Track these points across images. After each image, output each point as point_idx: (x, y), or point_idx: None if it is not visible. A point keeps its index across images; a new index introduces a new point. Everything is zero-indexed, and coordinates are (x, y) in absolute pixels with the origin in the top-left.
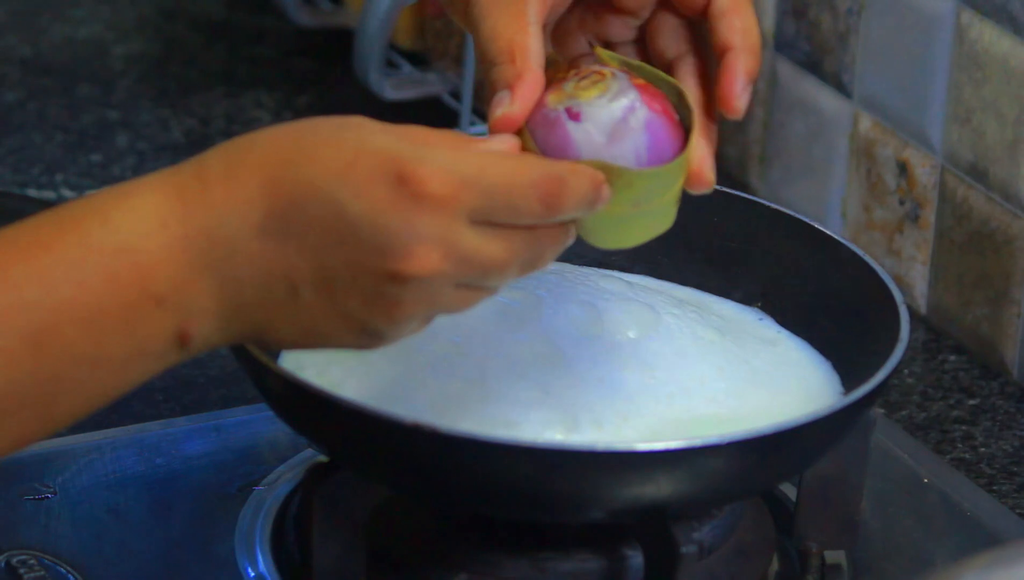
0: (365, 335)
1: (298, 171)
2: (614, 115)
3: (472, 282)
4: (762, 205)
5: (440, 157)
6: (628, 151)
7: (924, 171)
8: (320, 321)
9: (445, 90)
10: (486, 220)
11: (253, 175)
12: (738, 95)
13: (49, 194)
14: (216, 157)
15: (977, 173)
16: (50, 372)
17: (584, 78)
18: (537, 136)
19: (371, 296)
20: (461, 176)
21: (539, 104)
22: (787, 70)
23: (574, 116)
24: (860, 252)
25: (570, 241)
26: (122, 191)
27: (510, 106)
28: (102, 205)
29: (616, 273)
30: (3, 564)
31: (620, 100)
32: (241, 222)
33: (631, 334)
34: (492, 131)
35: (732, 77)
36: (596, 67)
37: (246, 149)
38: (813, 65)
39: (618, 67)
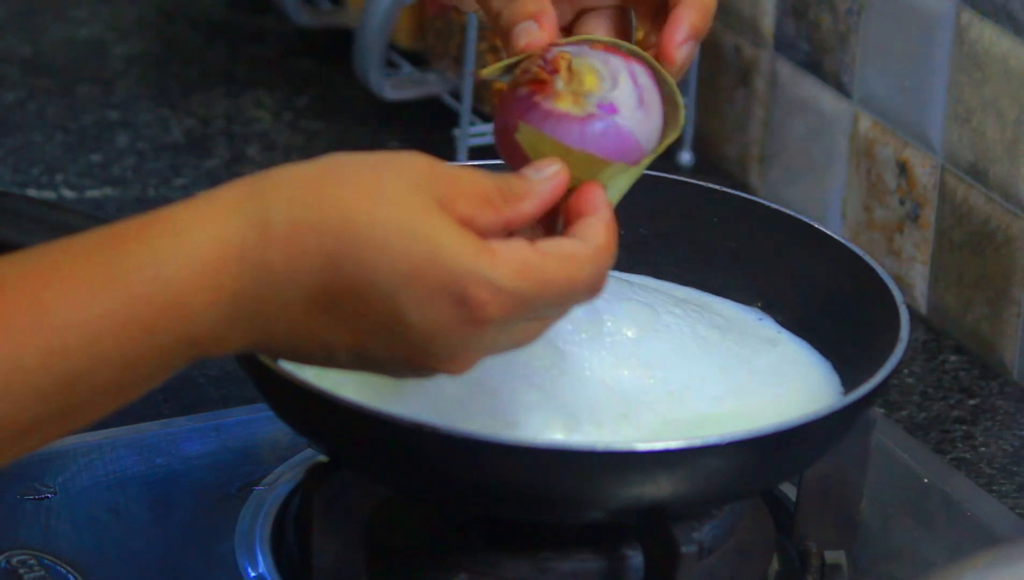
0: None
1: (364, 257)
2: (631, 88)
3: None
4: (762, 205)
5: (503, 278)
6: (656, 110)
7: (924, 171)
8: (347, 369)
9: (445, 90)
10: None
11: (318, 249)
12: (677, 45)
13: (49, 194)
14: (281, 210)
15: (977, 173)
16: (79, 402)
17: (556, 72)
18: (591, 146)
19: (406, 373)
20: (520, 298)
21: (552, 116)
22: (787, 70)
23: (611, 110)
24: (860, 252)
25: None
26: (177, 229)
27: (539, 32)
28: (156, 247)
29: (616, 273)
30: (3, 564)
31: (619, 72)
32: (295, 292)
33: (631, 334)
34: (520, 50)
35: (675, 27)
36: (546, 56)
37: (313, 207)
38: (813, 65)
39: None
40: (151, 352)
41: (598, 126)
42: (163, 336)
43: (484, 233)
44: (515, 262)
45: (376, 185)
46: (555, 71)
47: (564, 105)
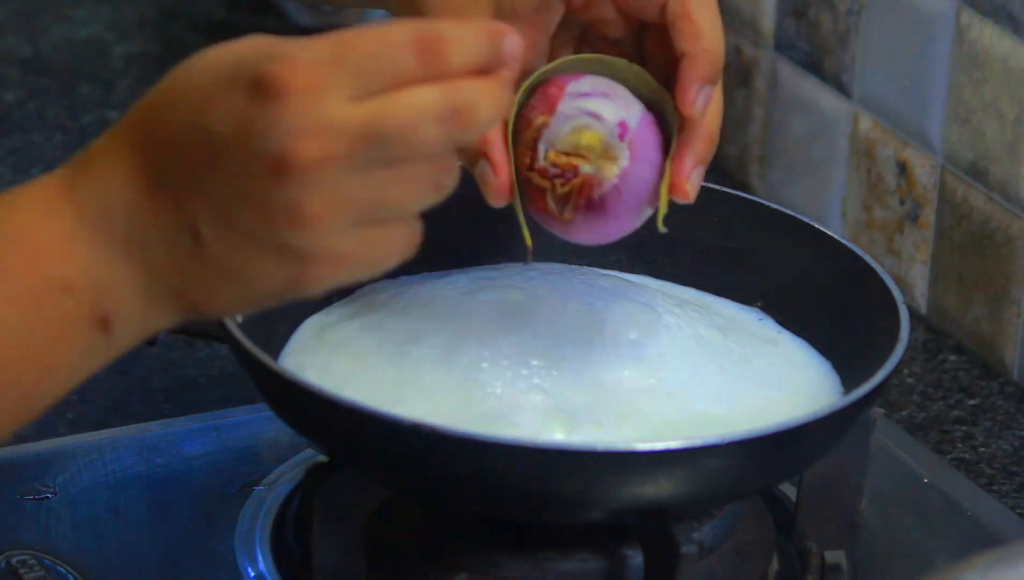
0: (288, 260)
1: (163, 116)
2: (602, 98)
3: (379, 160)
4: (762, 205)
5: (295, 50)
6: (620, 89)
7: (924, 171)
8: (233, 259)
9: None
10: (367, 92)
11: (127, 136)
12: (692, 101)
13: None
14: (103, 133)
15: (977, 173)
16: None
17: (578, 163)
18: (661, 163)
19: (267, 208)
20: (323, 58)
21: (624, 189)
22: (787, 70)
23: (624, 127)
24: (860, 252)
25: (503, 99)
26: (16, 190)
27: (495, 177)
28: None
29: (616, 273)
30: (3, 564)
31: (584, 98)
32: (129, 186)
33: (631, 334)
34: (496, 198)
35: (685, 83)
36: (547, 168)
37: (125, 115)
38: (813, 65)
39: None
40: (18, 303)
41: (638, 153)
42: (18, 278)
43: None
44: (320, 41)
45: (176, 69)
46: (578, 161)
47: (611, 172)
